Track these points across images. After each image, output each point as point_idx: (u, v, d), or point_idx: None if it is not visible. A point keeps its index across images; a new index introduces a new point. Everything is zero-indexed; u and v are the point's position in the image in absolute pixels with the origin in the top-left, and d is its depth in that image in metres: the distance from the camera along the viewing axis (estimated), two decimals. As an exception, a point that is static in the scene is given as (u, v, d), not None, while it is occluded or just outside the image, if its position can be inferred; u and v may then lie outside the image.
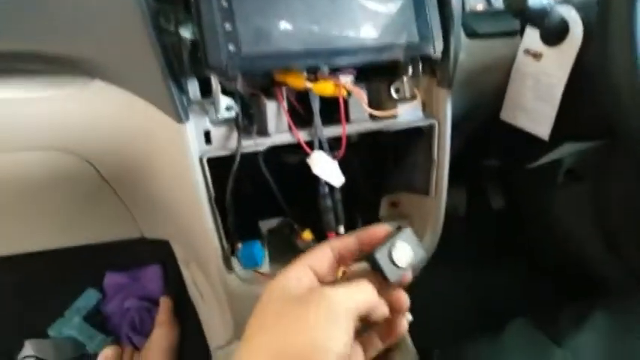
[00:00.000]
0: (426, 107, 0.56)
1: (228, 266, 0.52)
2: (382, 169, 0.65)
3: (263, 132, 0.49)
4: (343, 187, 0.54)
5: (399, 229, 0.36)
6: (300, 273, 0.33)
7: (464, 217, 0.96)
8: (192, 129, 0.45)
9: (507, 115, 0.62)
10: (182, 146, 0.45)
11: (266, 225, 0.61)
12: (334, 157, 0.51)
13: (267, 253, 0.56)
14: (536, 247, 0.99)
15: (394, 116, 0.53)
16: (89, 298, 0.90)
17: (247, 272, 0.53)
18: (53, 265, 0.87)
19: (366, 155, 0.63)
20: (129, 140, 0.48)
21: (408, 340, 0.80)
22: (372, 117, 0.53)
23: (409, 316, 0.58)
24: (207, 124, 0.47)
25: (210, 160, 0.47)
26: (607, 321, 0.74)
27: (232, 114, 0.46)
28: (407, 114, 0.54)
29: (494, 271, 0.96)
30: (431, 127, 0.55)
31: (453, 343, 0.72)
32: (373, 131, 0.54)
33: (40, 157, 0.48)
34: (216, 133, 0.47)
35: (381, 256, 0.34)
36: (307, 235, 0.56)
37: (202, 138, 0.46)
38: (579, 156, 0.76)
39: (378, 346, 0.37)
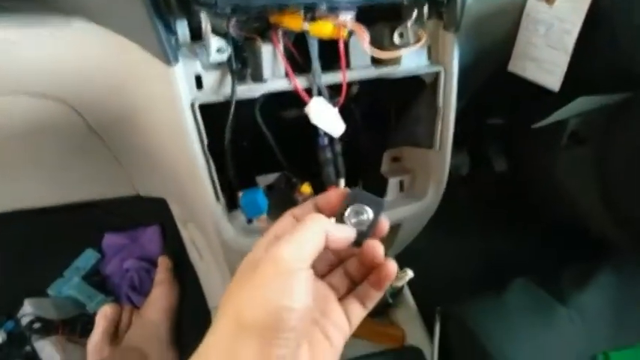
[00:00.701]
0: (431, 54, 0.53)
1: (223, 219, 0.50)
2: (384, 122, 0.62)
3: (258, 77, 0.46)
4: (344, 142, 0.52)
5: (349, 190, 0.36)
6: (268, 243, 0.33)
7: (466, 179, 0.94)
8: (182, 72, 0.43)
9: (516, 65, 0.58)
10: (172, 91, 0.42)
11: (264, 181, 0.60)
12: (334, 105, 0.49)
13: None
14: (539, 209, 0.98)
15: (397, 59, 0.50)
16: (88, 258, 0.89)
17: (243, 224, 0.52)
18: (52, 226, 0.87)
19: (367, 108, 0.61)
20: (115, 85, 0.46)
21: (410, 298, 0.80)
22: (374, 62, 0.50)
23: (410, 273, 0.57)
24: (198, 67, 0.44)
25: (204, 109, 0.44)
26: (611, 281, 0.74)
27: (224, 57, 0.43)
28: (411, 60, 0.52)
29: (496, 233, 0.95)
30: (436, 75, 0.53)
31: (454, 301, 0.72)
32: (375, 78, 0.51)
33: (23, 103, 0.46)
34: (208, 77, 0.45)
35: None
36: (306, 188, 0.54)
37: (193, 82, 0.44)
38: (584, 117, 0.73)
39: (374, 296, 0.37)
